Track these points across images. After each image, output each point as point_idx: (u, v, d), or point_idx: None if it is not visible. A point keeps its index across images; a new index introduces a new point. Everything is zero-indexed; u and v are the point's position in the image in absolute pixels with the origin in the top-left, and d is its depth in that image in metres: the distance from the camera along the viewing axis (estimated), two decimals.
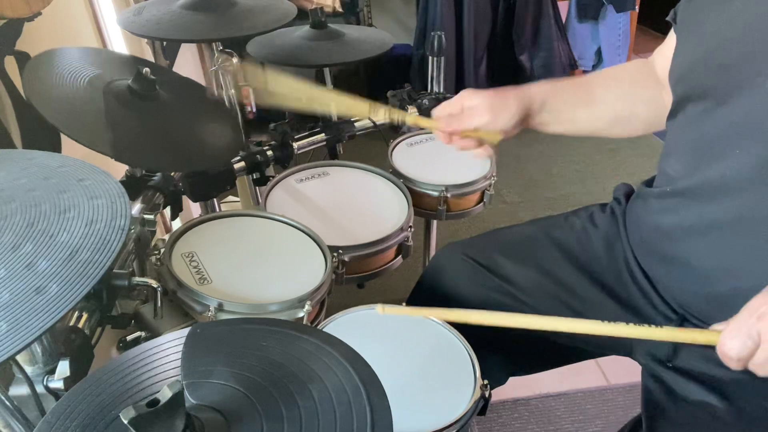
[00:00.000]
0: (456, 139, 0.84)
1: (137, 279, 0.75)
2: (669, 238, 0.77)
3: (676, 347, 0.76)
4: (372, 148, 1.41)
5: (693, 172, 0.72)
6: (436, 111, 0.85)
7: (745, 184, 0.66)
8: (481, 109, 0.81)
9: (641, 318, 0.84)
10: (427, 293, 0.98)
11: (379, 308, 0.66)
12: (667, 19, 0.80)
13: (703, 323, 0.77)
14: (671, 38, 0.80)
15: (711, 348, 0.60)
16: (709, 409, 0.71)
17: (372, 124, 1.40)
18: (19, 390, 0.63)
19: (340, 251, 0.97)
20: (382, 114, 0.84)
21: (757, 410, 0.70)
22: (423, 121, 0.88)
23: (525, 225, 1.00)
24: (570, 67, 2.76)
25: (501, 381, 1.01)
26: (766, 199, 0.64)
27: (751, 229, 0.66)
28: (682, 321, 0.79)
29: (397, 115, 0.87)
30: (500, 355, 0.93)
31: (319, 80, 1.41)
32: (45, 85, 0.82)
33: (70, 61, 0.91)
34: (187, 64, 2.11)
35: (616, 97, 0.87)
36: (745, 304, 0.58)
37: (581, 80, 0.93)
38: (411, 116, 0.88)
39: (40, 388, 0.63)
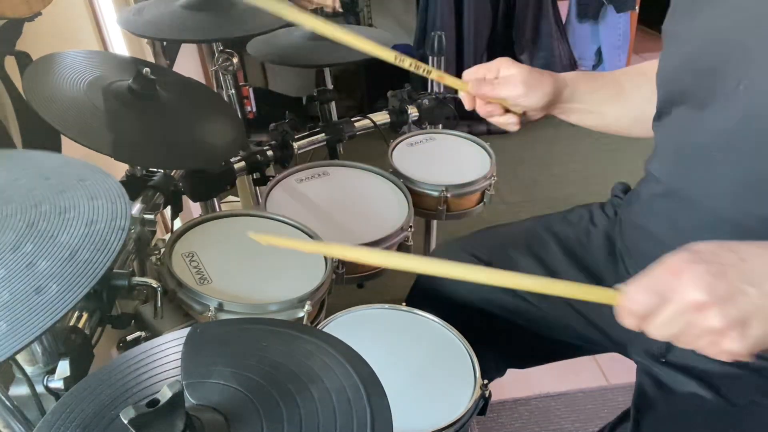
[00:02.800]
0: (480, 104, 0.82)
1: (137, 279, 0.75)
2: (657, 240, 0.77)
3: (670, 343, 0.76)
4: (372, 148, 1.41)
5: (677, 175, 0.73)
6: (468, 72, 0.83)
7: (727, 187, 0.66)
8: (516, 81, 0.79)
9: None
10: (426, 291, 0.98)
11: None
12: (662, 27, 0.80)
13: None
14: None
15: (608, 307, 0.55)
16: (699, 400, 0.72)
17: (372, 124, 1.40)
18: (19, 390, 0.63)
19: None
20: (407, 63, 0.80)
21: (746, 402, 0.70)
22: (449, 79, 0.84)
23: (524, 222, 0.99)
24: (570, 67, 2.76)
25: (500, 372, 1.01)
26: (749, 202, 0.64)
27: (735, 232, 0.66)
28: None
29: (422, 69, 0.82)
30: (497, 348, 0.93)
31: (319, 80, 1.41)
32: (45, 88, 0.83)
33: (71, 65, 0.91)
34: (187, 64, 2.10)
35: (643, 96, 0.85)
36: (661, 261, 0.53)
37: (613, 75, 0.91)
38: (436, 71, 0.84)
39: (40, 388, 0.63)
